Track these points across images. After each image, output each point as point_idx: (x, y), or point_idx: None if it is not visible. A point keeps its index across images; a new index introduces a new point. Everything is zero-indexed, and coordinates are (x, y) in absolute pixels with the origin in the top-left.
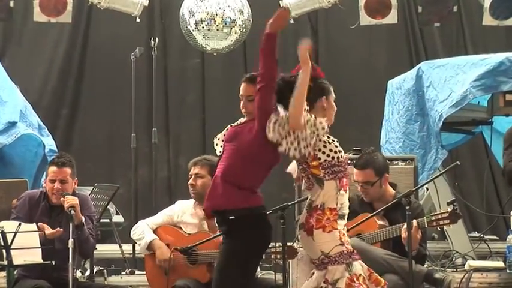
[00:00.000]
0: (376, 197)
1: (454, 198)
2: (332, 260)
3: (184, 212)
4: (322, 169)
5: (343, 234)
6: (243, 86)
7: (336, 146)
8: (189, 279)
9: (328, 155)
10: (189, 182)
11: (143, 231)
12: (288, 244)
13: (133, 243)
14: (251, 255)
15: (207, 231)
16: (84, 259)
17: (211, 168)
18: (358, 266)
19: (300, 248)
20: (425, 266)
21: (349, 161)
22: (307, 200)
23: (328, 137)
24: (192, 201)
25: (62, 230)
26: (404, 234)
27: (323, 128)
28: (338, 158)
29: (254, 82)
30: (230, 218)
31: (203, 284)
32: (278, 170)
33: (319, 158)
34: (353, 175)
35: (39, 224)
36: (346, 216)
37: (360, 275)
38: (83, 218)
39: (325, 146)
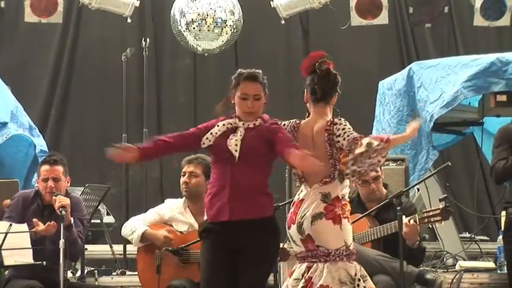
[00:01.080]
0: (383, 194)
1: (445, 195)
2: (350, 253)
3: (175, 210)
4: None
5: None
6: (247, 84)
7: None
8: (183, 279)
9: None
10: (182, 180)
11: (134, 225)
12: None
13: (124, 243)
14: None
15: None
16: (73, 261)
17: (206, 168)
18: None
19: (291, 249)
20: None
21: None
22: (317, 194)
23: None
24: (182, 199)
25: (54, 223)
26: (406, 229)
27: None
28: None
29: (258, 80)
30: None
31: (196, 284)
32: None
33: (349, 156)
34: None
35: (34, 220)
36: None
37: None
38: (72, 219)
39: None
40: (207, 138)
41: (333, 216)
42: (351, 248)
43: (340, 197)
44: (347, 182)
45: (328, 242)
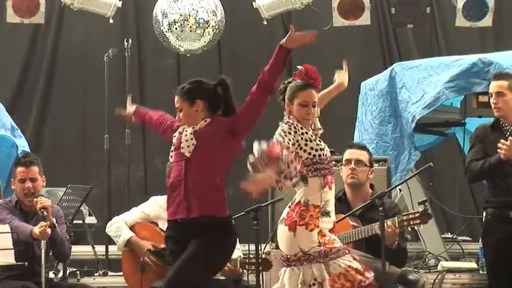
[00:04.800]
0: (362, 182)
1: (425, 199)
2: (310, 257)
3: (160, 207)
4: (305, 166)
5: (324, 235)
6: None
7: (318, 144)
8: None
9: (309, 153)
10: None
11: (119, 228)
12: (263, 256)
13: (107, 244)
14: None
15: None
16: (62, 261)
17: None
18: (336, 265)
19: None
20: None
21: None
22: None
23: (311, 136)
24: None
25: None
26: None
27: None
28: (320, 155)
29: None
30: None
31: None
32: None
33: (301, 156)
34: (345, 156)
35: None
36: (331, 214)
37: (340, 273)
38: (54, 219)
39: (306, 144)
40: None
41: (289, 223)
42: (311, 252)
43: (303, 202)
44: (317, 185)
45: (283, 247)
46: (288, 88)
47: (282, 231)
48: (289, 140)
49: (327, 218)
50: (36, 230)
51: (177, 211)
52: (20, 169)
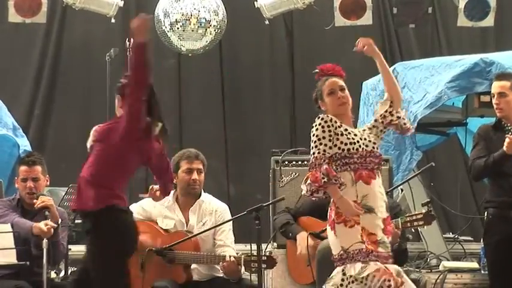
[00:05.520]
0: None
1: (428, 200)
2: (350, 256)
3: (162, 204)
4: (333, 161)
5: (370, 233)
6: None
7: (349, 138)
8: (167, 280)
9: (339, 147)
10: (188, 177)
11: None
12: (267, 254)
13: None
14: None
15: (185, 228)
16: (54, 265)
17: (205, 163)
18: (373, 267)
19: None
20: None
21: None
22: None
23: (345, 129)
24: (171, 192)
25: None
26: None
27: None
28: (349, 149)
29: None
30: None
31: (180, 285)
32: (253, 171)
33: (329, 153)
34: None
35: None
36: (376, 210)
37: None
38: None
39: (337, 139)
40: None
41: (330, 222)
42: (351, 250)
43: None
44: (347, 180)
45: (332, 247)
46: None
47: (328, 232)
48: (316, 141)
49: (370, 215)
50: (42, 225)
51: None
52: (22, 168)
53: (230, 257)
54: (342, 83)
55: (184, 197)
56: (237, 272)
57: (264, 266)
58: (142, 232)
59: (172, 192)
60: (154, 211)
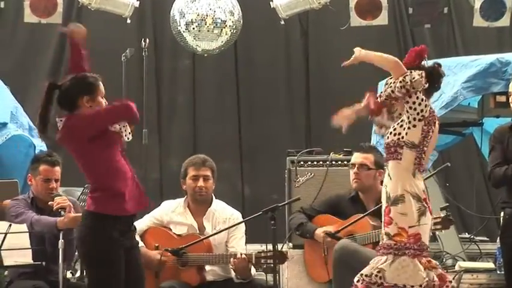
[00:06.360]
0: (366, 186)
1: (447, 204)
2: None
3: (173, 212)
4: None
5: None
6: None
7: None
8: (175, 281)
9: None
10: (195, 184)
11: None
12: (279, 249)
13: None
14: None
15: (198, 232)
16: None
17: (214, 169)
18: None
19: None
20: None
21: (339, 162)
22: None
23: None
24: (181, 199)
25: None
26: None
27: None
28: None
29: None
30: None
31: (192, 286)
32: (268, 172)
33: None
34: (351, 160)
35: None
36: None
37: None
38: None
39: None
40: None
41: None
42: None
43: None
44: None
45: None
46: None
47: None
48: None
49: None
50: (67, 216)
51: (140, 203)
52: (45, 167)
53: (242, 254)
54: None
55: (194, 204)
56: (247, 270)
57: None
58: (155, 237)
59: (183, 199)
60: (166, 218)
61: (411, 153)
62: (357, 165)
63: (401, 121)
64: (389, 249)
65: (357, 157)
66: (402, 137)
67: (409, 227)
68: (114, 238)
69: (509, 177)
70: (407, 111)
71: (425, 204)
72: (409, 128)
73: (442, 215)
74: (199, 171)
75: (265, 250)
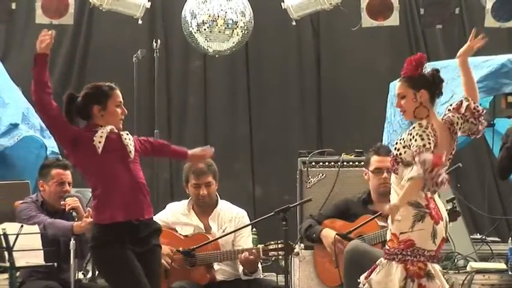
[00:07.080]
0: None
1: (453, 196)
2: None
3: (179, 213)
4: None
5: None
6: None
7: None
8: (185, 282)
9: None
10: (196, 192)
11: None
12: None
13: None
14: None
15: (203, 232)
16: (81, 259)
17: (216, 172)
18: None
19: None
20: None
21: (351, 163)
22: None
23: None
24: (186, 201)
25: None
26: None
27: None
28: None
29: None
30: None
31: (202, 286)
32: (279, 173)
33: None
34: (374, 164)
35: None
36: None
37: None
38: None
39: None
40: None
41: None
42: None
43: None
44: None
45: None
46: None
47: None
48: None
49: None
50: (83, 223)
51: (136, 213)
52: (58, 171)
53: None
54: (399, 89)
55: (198, 207)
56: (255, 263)
57: (282, 253)
58: (162, 239)
59: (188, 200)
60: (171, 219)
61: (406, 171)
62: (385, 170)
63: (402, 138)
64: (385, 254)
65: (382, 161)
66: (400, 154)
67: (400, 233)
68: (116, 247)
69: (503, 158)
70: (409, 134)
71: (426, 210)
72: (405, 147)
73: (449, 207)
74: (200, 179)
75: (271, 242)
